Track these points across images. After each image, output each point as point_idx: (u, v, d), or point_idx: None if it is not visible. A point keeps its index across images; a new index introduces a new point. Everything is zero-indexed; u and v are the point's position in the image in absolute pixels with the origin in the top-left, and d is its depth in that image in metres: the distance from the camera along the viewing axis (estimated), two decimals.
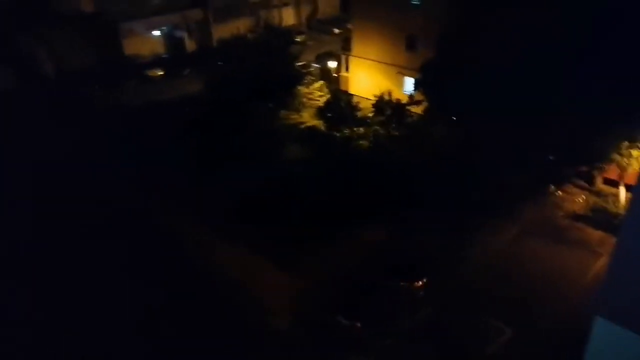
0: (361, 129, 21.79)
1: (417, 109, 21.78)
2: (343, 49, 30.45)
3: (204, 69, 29.84)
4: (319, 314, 14.38)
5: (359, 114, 23.14)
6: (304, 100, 26.48)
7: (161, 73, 35.05)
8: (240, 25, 36.63)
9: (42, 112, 28.39)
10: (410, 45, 25.49)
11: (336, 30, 40.71)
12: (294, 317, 14.51)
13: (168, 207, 19.83)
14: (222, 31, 37.10)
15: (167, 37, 39.04)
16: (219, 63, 28.19)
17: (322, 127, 23.43)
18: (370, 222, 17.01)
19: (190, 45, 40.03)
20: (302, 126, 24.14)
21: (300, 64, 27.79)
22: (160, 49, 38.49)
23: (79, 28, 34.06)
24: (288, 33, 29.70)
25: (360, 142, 21.29)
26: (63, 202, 20.17)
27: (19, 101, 29.32)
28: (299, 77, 26.25)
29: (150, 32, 37.60)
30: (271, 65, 25.01)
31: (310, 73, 29.40)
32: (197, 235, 18.07)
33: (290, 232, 16.50)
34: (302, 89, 26.67)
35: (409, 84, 26.00)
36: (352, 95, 27.67)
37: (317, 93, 27.21)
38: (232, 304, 15.22)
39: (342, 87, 29.84)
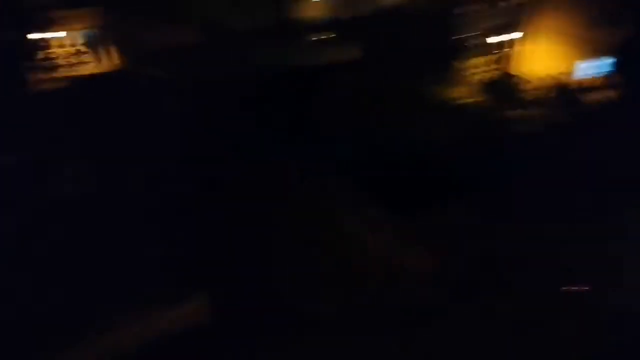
0: (526, 111, 20.02)
1: (603, 95, 19.10)
2: (519, 22, 27.81)
3: (362, 36, 29.88)
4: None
5: (526, 94, 21.22)
6: (464, 75, 25.21)
7: (322, 37, 36.08)
8: None
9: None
10: (607, 19, 22.01)
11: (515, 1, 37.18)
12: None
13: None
14: None
15: (332, 0, 39.71)
16: (377, 30, 27.99)
17: (480, 106, 22.13)
18: (531, 208, 15.47)
19: (353, 10, 40.23)
20: (457, 102, 23.08)
21: (465, 35, 26.24)
22: (325, 13, 39.45)
23: None
24: (456, 0, 28.06)
25: (523, 125, 19.59)
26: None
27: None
28: (461, 50, 24.90)
29: None
30: (432, 34, 24.09)
31: (475, 46, 27.65)
32: (332, 193, 18.39)
33: (433, 207, 15.93)
34: (463, 63, 25.36)
35: (596, 65, 22.76)
36: (521, 73, 25.36)
37: (480, 68, 25.66)
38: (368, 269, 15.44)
39: (511, 64, 27.46)
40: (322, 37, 36.11)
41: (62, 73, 19.93)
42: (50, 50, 19.37)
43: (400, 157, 17.95)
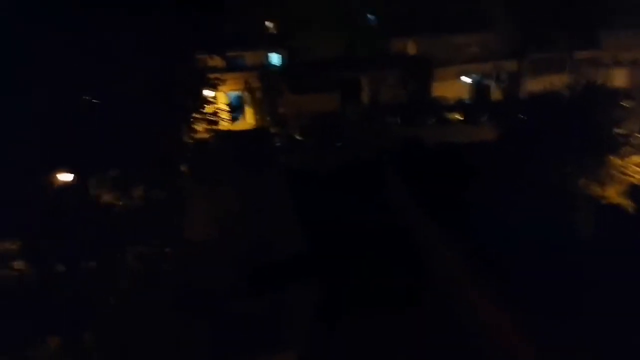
0: None
1: None
2: None
3: (503, 119, 28.99)
4: None
5: None
6: (614, 173, 22.70)
7: (458, 117, 35.87)
8: (556, 81, 34.23)
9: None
10: None
11: None
12: None
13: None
14: (534, 84, 35.41)
15: (474, 83, 39.75)
16: (521, 116, 26.90)
17: (631, 209, 19.50)
18: None
19: (495, 94, 39.67)
20: (604, 202, 20.63)
21: (619, 131, 23.87)
22: (464, 94, 39.45)
23: (399, 68, 38.20)
24: (614, 94, 25.96)
25: None
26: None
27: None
28: (614, 146, 22.58)
29: (460, 78, 39.00)
30: (582, 127, 22.33)
31: (630, 144, 24.93)
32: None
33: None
34: (615, 160, 22.91)
35: None
36: None
37: (633, 168, 22.96)
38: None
39: None
40: (465, 117, 35.98)
41: (212, 126, 22.46)
42: (206, 106, 22.12)
43: (541, 252, 16.44)
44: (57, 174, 15.11)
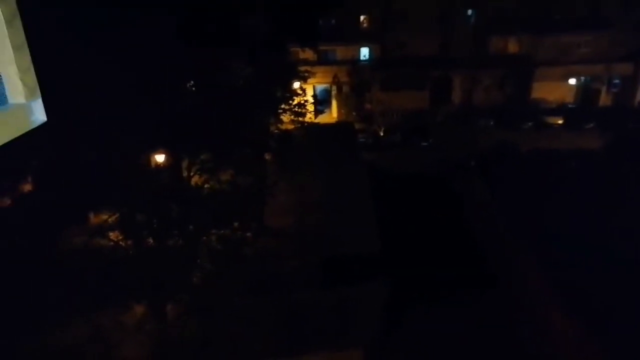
0: None
1: None
2: None
3: (612, 127, 26.40)
4: None
5: None
6: None
7: (560, 122, 33.21)
8: None
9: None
10: None
11: None
12: None
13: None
14: None
15: (581, 86, 36.49)
16: (633, 125, 24.36)
17: None
18: None
19: (604, 99, 36.16)
20: None
21: None
22: (568, 98, 36.41)
23: (496, 67, 36.15)
24: None
25: None
26: None
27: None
28: None
29: (565, 80, 36.00)
30: None
31: None
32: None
33: None
34: None
35: None
36: None
37: None
38: None
39: None
40: (568, 122, 33.33)
41: (298, 118, 22.97)
42: (294, 98, 22.66)
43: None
44: (155, 155, 16.38)
